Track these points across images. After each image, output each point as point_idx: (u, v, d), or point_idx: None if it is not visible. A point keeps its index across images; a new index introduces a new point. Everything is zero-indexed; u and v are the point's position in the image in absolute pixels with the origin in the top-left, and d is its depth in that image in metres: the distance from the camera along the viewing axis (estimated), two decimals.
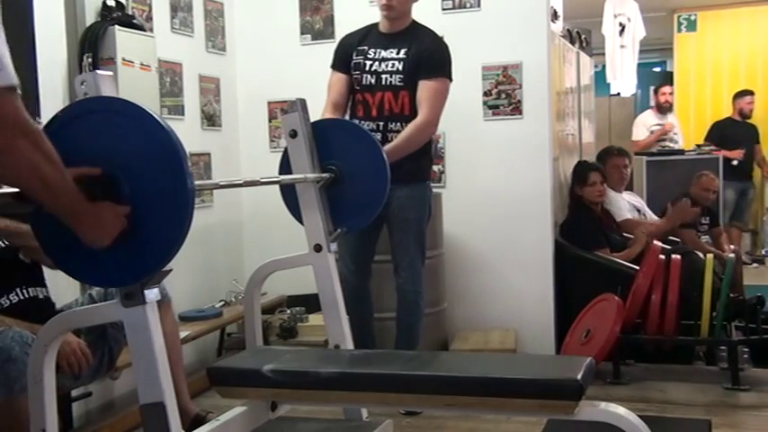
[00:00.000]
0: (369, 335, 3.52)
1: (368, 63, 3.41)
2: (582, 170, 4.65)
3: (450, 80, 3.41)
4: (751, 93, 7.58)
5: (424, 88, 3.32)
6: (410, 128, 3.32)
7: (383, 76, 3.38)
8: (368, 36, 3.48)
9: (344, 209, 2.78)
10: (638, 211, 5.29)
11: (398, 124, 3.37)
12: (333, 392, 2.12)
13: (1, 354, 2.20)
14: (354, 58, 3.44)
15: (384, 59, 3.39)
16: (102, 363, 2.71)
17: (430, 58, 3.35)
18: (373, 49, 3.42)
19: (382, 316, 3.67)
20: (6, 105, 1.40)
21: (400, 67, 3.36)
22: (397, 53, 3.38)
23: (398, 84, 3.36)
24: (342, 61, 3.49)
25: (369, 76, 3.40)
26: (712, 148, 7.47)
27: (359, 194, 2.81)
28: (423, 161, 3.45)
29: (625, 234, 4.66)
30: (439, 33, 4.28)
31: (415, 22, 3.47)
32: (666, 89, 7.70)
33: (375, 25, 3.50)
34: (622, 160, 5.15)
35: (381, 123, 3.37)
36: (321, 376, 2.11)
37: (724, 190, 7.38)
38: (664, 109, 7.59)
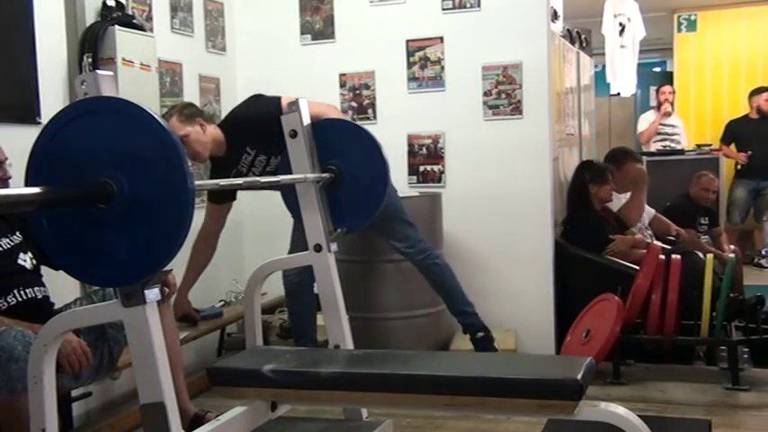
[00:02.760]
0: (309, 333, 3.66)
1: (252, 177, 3.46)
2: (599, 170, 4.65)
3: (280, 99, 3.38)
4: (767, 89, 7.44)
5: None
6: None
7: (267, 170, 3.49)
8: (219, 168, 3.53)
9: (344, 209, 2.78)
10: None
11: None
12: (333, 392, 2.13)
13: (3, 353, 2.20)
14: (238, 167, 3.51)
15: (253, 166, 3.51)
16: (102, 363, 2.71)
17: (260, 124, 3.34)
18: (235, 171, 3.49)
19: (382, 316, 3.67)
20: None
21: (264, 158, 3.48)
22: (251, 156, 3.48)
23: (275, 163, 3.42)
24: (217, 194, 3.58)
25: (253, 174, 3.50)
26: (712, 147, 7.47)
27: (359, 194, 2.81)
28: None
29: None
30: (439, 34, 4.31)
31: (223, 127, 3.53)
32: (667, 88, 7.73)
33: (214, 158, 3.55)
34: (641, 168, 5.06)
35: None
36: (321, 376, 2.11)
37: (735, 188, 7.36)
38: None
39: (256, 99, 3.54)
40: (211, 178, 3.61)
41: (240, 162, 3.50)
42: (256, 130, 3.39)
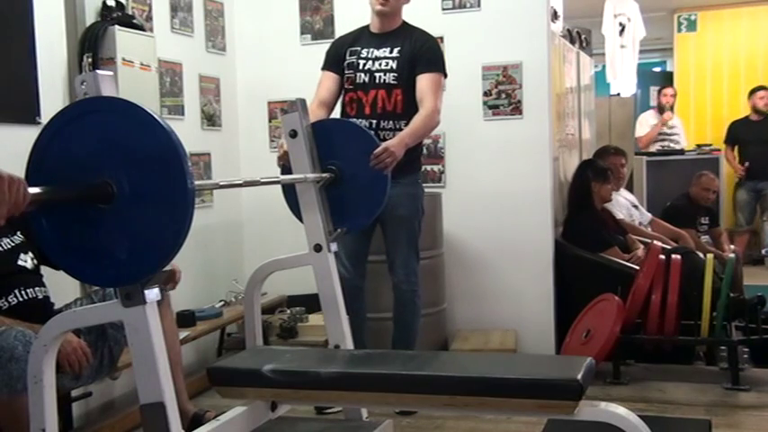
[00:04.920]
0: (363, 335, 3.52)
1: (361, 62, 3.43)
2: (602, 168, 4.67)
3: (446, 76, 3.45)
4: (764, 88, 7.40)
5: (425, 80, 3.34)
6: (422, 114, 3.29)
7: (377, 74, 3.40)
8: (360, 37, 3.51)
9: (345, 209, 2.78)
10: (636, 207, 5.33)
11: (390, 122, 3.39)
12: (333, 392, 2.13)
13: (4, 353, 2.20)
14: (348, 58, 3.47)
15: (377, 58, 3.42)
16: (102, 363, 2.71)
17: (427, 53, 3.38)
18: (366, 49, 3.44)
19: (379, 316, 3.67)
20: None
21: (394, 66, 3.38)
22: (390, 52, 3.41)
23: (392, 82, 3.38)
24: (334, 61, 3.51)
25: (362, 75, 3.42)
26: (712, 147, 7.47)
27: (359, 194, 2.81)
28: (413, 156, 3.41)
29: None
30: (439, 34, 4.30)
31: (405, 23, 3.50)
32: (668, 90, 7.70)
33: (366, 27, 3.53)
34: (619, 159, 5.17)
35: (374, 121, 3.38)
36: (321, 376, 2.11)
37: (737, 191, 7.37)
38: (664, 110, 7.60)
39: None
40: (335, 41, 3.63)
41: (380, 48, 3.41)
42: (425, 49, 3.37)
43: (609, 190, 4.60)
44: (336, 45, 3.57)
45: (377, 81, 3.40)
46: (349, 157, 2.80)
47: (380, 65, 3.40)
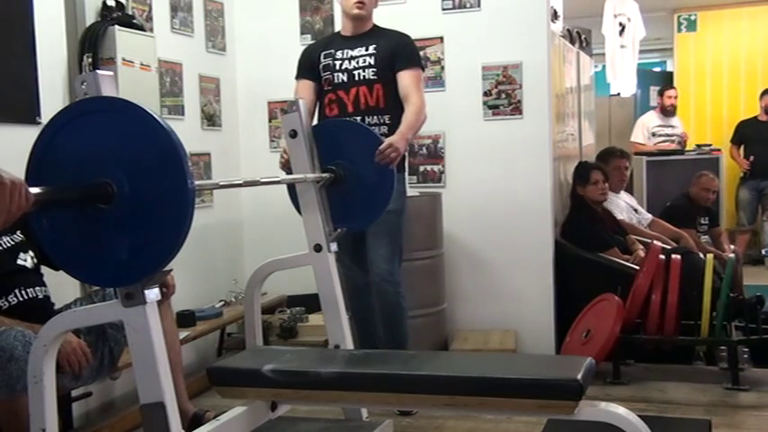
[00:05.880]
0: (375, 334, 3.52)
1: (337, 63, 3.45)
2: (583, 169, 4.65)
3: (423, 71, 3.50)
4: None
5: (407, 77, 3.36)
6: (412, 109, 3.30)
7: (355, 72, 3.42)
8: (332, 42, 3.54)
9: (348, 209, 2.78)
10: (636, 210, 5.32)
11: (375, 117, 3.40)
12: (333, 392, 2.13)
13: (3, 353, 2.20)
14: (322, 60, 3.48)
15: (353, 57, 3.44)
16: (102, 363, 2.71)
17: (405, 50, 3.41)
18: (341, 51, 3.47)
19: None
20: None
21: (372, 62, 3.40)
22: (366, 50, 3.43)
23: (372, 77, 3.40)
24: (308, 68, 3.52)
25: (341, 75, 3.44)
26: (712, 147, 7.47)
27: (365, 194, 2.81)
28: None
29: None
30: (439, 34, 4.31)
31: (376, 25, 3.52)
32: (672, 92, 7.64)
33: (337, 33, 3.58)
34: (623, 162, 5.17)
35: (358, 118, 3.38)
36: (321, 376, 2.11)
37: (739, 191, 7.38)
38: (668, 112, 7.59)
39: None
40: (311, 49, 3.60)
41: (355, 48, 3.43)
42: (402, 46, 3.40)
43: (594, 190, 4.53)
44: (309, 51, 3.59)
45: (356, 78, 3.41)
46: (354, 156, 2.80)
47: (358, 62, 3.42)
